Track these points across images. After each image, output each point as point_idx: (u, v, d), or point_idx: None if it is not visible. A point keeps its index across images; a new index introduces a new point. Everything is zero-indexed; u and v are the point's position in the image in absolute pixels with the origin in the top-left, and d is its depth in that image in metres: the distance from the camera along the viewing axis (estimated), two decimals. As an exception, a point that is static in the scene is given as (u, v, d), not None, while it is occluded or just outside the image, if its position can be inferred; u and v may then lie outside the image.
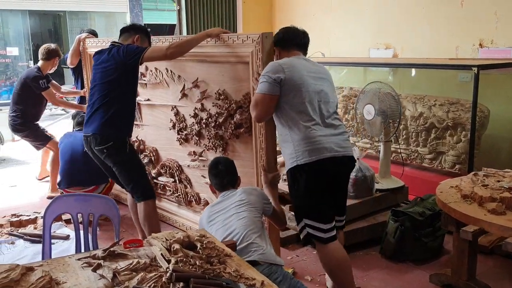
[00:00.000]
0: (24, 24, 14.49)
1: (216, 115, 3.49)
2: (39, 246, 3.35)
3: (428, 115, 4.50)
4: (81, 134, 3.39)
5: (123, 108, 3.22)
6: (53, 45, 4.97)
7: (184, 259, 2.03)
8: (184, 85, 3.70)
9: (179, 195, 4.07)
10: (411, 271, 3.32)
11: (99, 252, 2.13)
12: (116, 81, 3.16)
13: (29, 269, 1.99)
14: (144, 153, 4.33)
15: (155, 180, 4.25)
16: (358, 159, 3.63)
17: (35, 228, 3.74)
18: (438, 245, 3.49)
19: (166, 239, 2.25)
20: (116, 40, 3.38)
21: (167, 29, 13.08)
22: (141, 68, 3.82)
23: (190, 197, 3.98)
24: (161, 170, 4.20)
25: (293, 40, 2.86)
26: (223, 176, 2.76)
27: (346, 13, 5.82)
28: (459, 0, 4.78)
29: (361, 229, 3.57)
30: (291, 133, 2.62)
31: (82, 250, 2.45)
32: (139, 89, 3.97)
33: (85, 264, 2.08)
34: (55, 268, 2.08)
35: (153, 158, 4.26)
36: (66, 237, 3.45)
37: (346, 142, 2.72)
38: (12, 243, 3.43)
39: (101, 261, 2.08)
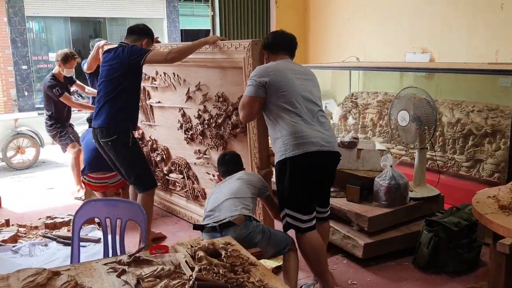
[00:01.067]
0: (66, 30, 14.93)
1: (216, 116, 3.79)
2: (66, 249, 3.43)
3: (465, 121, 4.35)
4: None
5: (126, 104, 3.44)
6: (66, 50, 5.23)
7: (208, 267, 2.01)
8: (189, 88, 3.98)
9: (187, 190, 4.35)
10: (445, 284, 3.20)
11: (124, 258, 2.14)
12: (120, 79, 3.40)
13: (56, 273, 2.01)
14: (157, 152, 4.62)
15: (166, 177, 4.56)
16: (391, 166, 3.55)
17: (68, 231, 3.81)
18: (474, 257, 3.36)
19: (191, 246, 2.24)
20: (123, 41, 3.59)
21: (203, 35, 13.22)
22: (152, 73, 4.27)
23: (197, 192, 4.24)
24: (171, 168, 4.48)
25: (281, 45, 3.07)
26: (228, 165, 3.11)
27: (381, 16, 5.71)
28: (499, 3, 4.61)
29: (394, 239, 3.47)
30: (280, 129, 2.80)
31: (110, 254, 2.46)
32: (152, 92, 4.43)
33: (110, 270, 2.09)
34: (82, 272, 2.10)
35: (164, 156, 4.53)
36: (98, 240, 3.50)
37: (332, 138, 2.89)
38: (45, 245, 3.51)
39: (126, 267, 2.09)
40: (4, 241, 3.56)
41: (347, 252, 3.52)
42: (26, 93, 12.71)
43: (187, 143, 4.17)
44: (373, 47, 5.84)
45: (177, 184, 4.49)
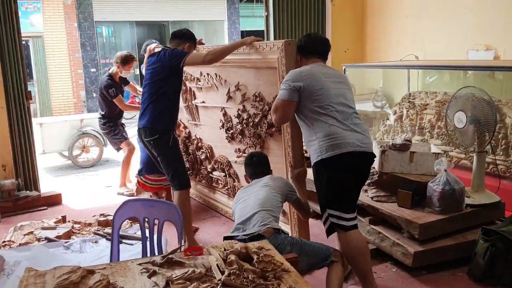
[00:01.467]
0: (132, 34, 15.51)
1: (254, 115, 3.86)
2: (120, 246, 3.51)
3: (532, 123, 4.03)
4: None
5: (167, 105, 3.59)
6: (126, 52, 5.37)
7: (237, 272, 1.97)
8: (229, 88, 4.08)
9: (228, 188, 4.45)
10: (503, 297, 2.98)
11: (158, 258, 2.15)
12: (162, 81, 3.56)
13: (90, 271, 2.05)
14: (202, 150, 4.76)
15: (210, 175, 4.70)
16: (445, 170, 3.35)
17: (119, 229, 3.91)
18: (537, 270, 3.09)
19: (225, 249, 2.21)
20: (167, 45, 3.76)
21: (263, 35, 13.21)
22: (197, 73, 4.42)
23: (237, 190, 4.24)
24: (214, 166, 4.59)
25: (314, 48, 3.08)
26: (256, 166, 3.13)
27: (442, 12, 5.43)
28: None
29: (447, 248, 3.27)
30: (315, 132, 2.82)
31: (148, 254, 2.48)
32: (197, 93, 4.58)
33: (143, 270, 2.11)
34: (117, 272, 2.12)
35: (208, 154, 4.66)
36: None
37: (367, 139, 2.88)
38: (96, 242, 3.62)
39: (158, 268, 2.09)
40: (59, 237, 3.71)
41: (396, 260, 3.36)
42: (94, 95, 13.31)
43: (228, 142, 4.26)
44: (433, 45, 5.57)
45: (219, 182, 4.60)
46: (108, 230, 3.83)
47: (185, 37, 3.75)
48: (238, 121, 4.09)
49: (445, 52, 5.34)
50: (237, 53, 3.59)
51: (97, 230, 3.93)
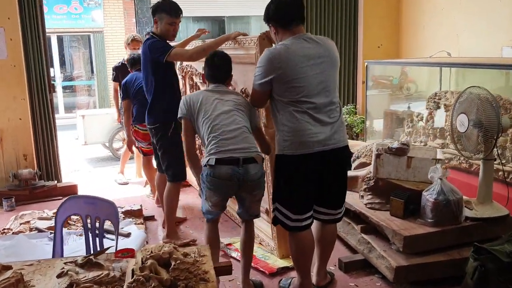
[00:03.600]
0: (189, 29, 15.73)
1: None
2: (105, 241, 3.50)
3: None
4: None
5: (163, 97, 3.57)
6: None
7: (142, 280, 1.85)
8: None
9: None
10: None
11: (79, 259, 2.08)
12: (149, 76, 3.56)
13: (6, 267, 2.02)
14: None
15: None
16: (440, 179, 3.03)
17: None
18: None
19: (152, 252, 2.10)
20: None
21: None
22: (201, 69, 4.16)
23: None
24: None
25: (289, 15, 2.62)
26: (218, 69, 2.92)
27: (477, 6, 4.97)
28: None
29: (437, 264, 2.96)
30: (283, 123, 2.62)
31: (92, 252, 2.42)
32: (201, 87, 4.34)
33: (62, 269, 2.05)
34: (38, 270, 2.08)
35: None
36: (127, 235, 3.53)
37: (339, 133, 2.65)
38: (81, 235, 3.63)
39: (76, 269, 2.03)
40: (50, 228, 3.76)
41: (383, 274, 3.09)
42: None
43: None
44: (466, 41, 5.11)
45: None
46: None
47: (152, 12, 3.57)
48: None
49: (478, 49, 4.89)
50: (224, 48, 3.44)
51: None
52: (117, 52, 13.94)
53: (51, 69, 14.51)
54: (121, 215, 3.99)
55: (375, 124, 5.78)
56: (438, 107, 4.70)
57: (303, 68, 2.56)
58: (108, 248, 2.20)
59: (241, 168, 2.67)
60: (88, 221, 2.52)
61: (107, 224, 3.77)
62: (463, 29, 5.15)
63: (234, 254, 3.55)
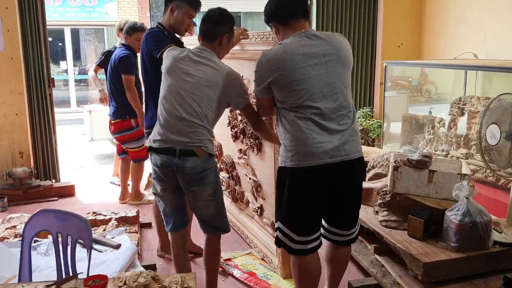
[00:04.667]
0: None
1: None
2: (83, 253, 3.20)
3: None
4: None
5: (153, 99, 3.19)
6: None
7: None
8: None
9: (230, 191, 4.08)
10: None
11: (40, 286, 1.79)
12: (147, 68, 3.18)
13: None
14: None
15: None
16: (467, 198, 2.67)
17: (104, 230, 3.62)
18: None
19: (125, 283, 1.79)
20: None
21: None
22: None
23: (237, 194, 3.94)
24: (221, 166, 4.18)
25: (289, 8, 2.33)
26: (209, 23, 2.56)
27: (508, 3, 4.56)
28: None
29: (461, 295, 2.60)
30: (285, 131, 2.31)
31: (63, 274, 2.13)
32: None
33: (20, 300, 1.75)
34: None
35: (217, 153, 4.24)
36: (117, 246, 3.23)
37: (351, 143, 2.30)
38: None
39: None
40: (37, 235, 3.47)
41: (398, 302, 2.75)
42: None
43: (233, 141, 3.83)
44: (494, 42, 4.71)
45: (224, 183, 4.21)
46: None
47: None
48: (240, 118, 3.67)
49: (508, 51, 4.48)
50: (244, 42, 3.15)
51: (82, 230, 3.67)
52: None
53: (63, 62, 14.45)
54: (114, 222, 3.70)
55: (392, 129, 5.40)
56: (463, 113, 4.32)
57: (304, 68, 2.24)
58: (77, 276, 1.89)
59: (177, 159, 2.48)
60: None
61: (96, 234, 3.49)
62: (491, 29, 4.74)
63: (235, 272, 3.23)
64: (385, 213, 3.12)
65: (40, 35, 4.94)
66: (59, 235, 2.09)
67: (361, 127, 5.24)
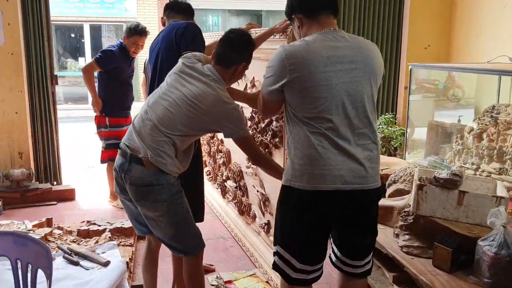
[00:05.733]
0: (224, 23, 15.17)
1: (261, 119, 3.19)
2: (71, 269, 2.92)
3: None
4: None
5: None
6: None
7: None
8: (246, 84, 3.38)
9: (237, 202, 3.81)
10: None
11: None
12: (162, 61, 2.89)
13: None
14: (221, 154, 4.13)
15: (224, 183, 4.09)
16: (504, 226, 2.28)
17: (96, 242, 3.33)
18: None
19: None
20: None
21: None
22: None
23: (244, 206, 3.66)
24: (229, 174, 3.94)
25: (314, 2, 2.01)
26: (229, 48, 2.27)
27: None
28: None
29: None
30: (295, 142, 1.96)
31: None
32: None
33: None
34: None
35: (225, 159, 4.03)
36: (105, 264, 2.92)
37: (369, 170, 1.95)
38: (53, 258, 3.06)
39: None
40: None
41: None
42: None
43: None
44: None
45: (230, 193, 3.93)
46: (74, 246, 3.25)
47: (188, 12, 2.98)
48: (250, 123, 3.36)
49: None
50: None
51: (73, 241, 3.39)
52: (149, 42, 13.41)
53: (82, 59, 14.31)
54: (107, 234, 3.40)
55: (415, 136, 4.99)
56: (496, 123, 3.89)
57: (326, 73, 1.90)
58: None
59: (127, 164, 2.22)
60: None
61: (86, 248, 3.20)
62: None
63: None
64: (407, 237, 2.74)
65: (43, 30, 4.69)
66: (18, 261, 1.78)
67: (382, 135, 4.84)
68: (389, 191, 3.34)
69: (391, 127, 4.92)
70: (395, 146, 4.80)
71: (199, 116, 2.19)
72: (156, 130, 2.19)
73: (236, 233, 3.76)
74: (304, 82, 1.91)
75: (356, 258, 2.15)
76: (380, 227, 2.88)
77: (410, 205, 2.80)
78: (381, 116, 5.08)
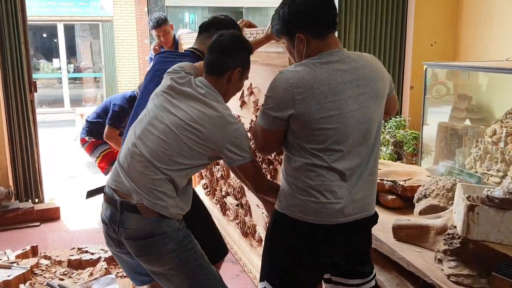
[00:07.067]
0: (204, 20, 14.75)
1: None
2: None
3: None
4: None
5: None
6: None
7: None
8: (243, 91, 3.05)
9: (239, 222, 3.46)
10: None
11: None
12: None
13: None
14: (218, 167, 3.80)
15: (224, 199, 3.74)
16: None
17: (90, 275, 2.92)
18: None
19: None
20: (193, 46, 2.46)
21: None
22: None
23: (247, 227, 3.32)
24: (228, 189, 3.62)
25: (330, 14, 1.75)
26: (218, 53, 1.93)
27: None
28: None
29: None
30: (295, 170, 1.76)
31: None
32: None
33: None
34: None
35: (223, 173, 3.69)
36: (105, 304, 2.53)
37: (368, 198, 1.84)
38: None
39: None
40: (6, 283, 2.77)
41: None
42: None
43: None
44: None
45: (231, 210, 3.59)
46: (67, 282, 2.84)
47: (213, 27, 2.39)
48: (250, 134, 3.00)
49: None
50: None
51: (64, 273, 2.97)
52: (127, 43, 12.94)
53: (57, 60, 13.70)
54: (103, 265, 3.00)
55: (425, 140, 4.70)
56: (522, 127, 3.61)
57: (336, 102, 1.70)
58: None
59: (119, 215, 1.83)
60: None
61: (80, 283, 2.79)
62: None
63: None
64: (453, 263, 2.41)
65: (20, 32, 4.24)
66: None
67: (394, 139, 4.52)
68: (419, 206, 3.01)
69: (402, 129, 4.61)
70: (408, 151, 4.49)
71: (200, 143, 1.83)
72: (150, 167, 1.81)
73: (240, 257, 3.41)
74: (313, 113, 1.69)
75: (354, 276, 1.98)
76: (416, 249, 2.60)
77: (454, 227, 2.47)
78: (391, 119, 4.77)
